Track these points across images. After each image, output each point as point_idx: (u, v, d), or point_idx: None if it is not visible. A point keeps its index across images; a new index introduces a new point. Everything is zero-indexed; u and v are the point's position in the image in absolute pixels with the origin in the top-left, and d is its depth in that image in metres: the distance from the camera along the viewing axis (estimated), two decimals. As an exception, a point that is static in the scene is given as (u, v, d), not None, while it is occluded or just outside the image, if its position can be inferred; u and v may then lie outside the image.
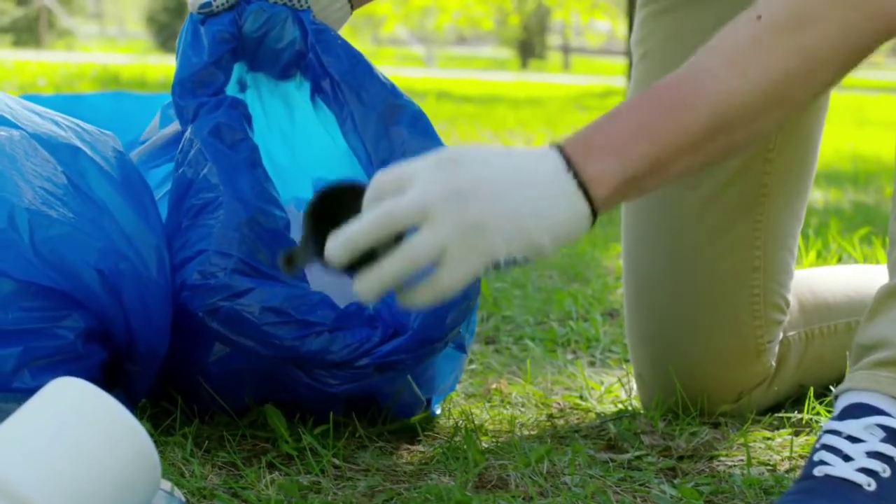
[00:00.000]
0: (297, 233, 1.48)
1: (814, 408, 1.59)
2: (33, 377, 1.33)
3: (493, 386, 1.72)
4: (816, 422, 1.56)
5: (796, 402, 1.67)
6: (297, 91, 1.59)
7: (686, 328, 1.60)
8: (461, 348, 1.54)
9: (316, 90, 1.54)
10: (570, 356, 1.97)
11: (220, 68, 1.50)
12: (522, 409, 1.64)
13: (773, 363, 1.63)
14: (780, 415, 1.60)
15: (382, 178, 1.09)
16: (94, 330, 1.38)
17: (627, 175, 1.09)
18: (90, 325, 1.37)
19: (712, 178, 1.57)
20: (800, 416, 1.59)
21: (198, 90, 1.49)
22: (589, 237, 3.13)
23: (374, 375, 1.43)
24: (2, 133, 1.40)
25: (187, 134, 1.48)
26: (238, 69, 1.56)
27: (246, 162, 1.45)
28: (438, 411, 1.59)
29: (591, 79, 16.16)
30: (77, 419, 1.04)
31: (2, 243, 1.34)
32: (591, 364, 1.93)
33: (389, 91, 1.51)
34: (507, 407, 1.65)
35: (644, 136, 1.10)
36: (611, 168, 1.09)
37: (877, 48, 1.15)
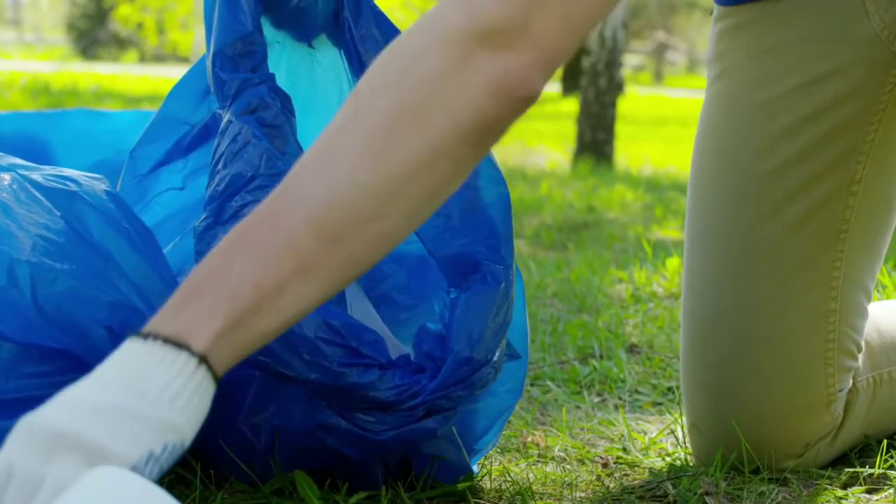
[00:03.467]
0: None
1: (886, 460, 1.46)
2: (36, 451, 1.17)
3: (529, 439, 1.57)
4: (895, 477, 1.43)
5: (862, 452, 1.54)
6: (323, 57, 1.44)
7: (751, 375, 1.45)
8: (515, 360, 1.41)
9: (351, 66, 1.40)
10: (595, 398, 1.82)
11: (260, 32, 1.32)
12: (566, 467, 1.49)
13: (841, 412, 1.49)
14: (850, 469, 1.47)
15: None
16: (102, 394, 1.22)
17: (227, 315, 0.94)
18: (98, 388, 1.21)
19: (794, 206, 1.43)
20: (871, 470, 1.46)
21: (239, 61, 1.31)
22: (585, 260, 2.99)
23: (425, 419, 1.28)
24: (-10, 178, 1.24)
25: (239, 128, 1.29)
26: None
27: None
28: (477, 470, 1.44)
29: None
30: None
31: (1, 303, 1.19)
32: (620, 407, 1.78)
33: None
34: (550, 463, 1.50)
35: (238, 267, 0.95)
36: (204, 308, 0.94)
37: (512, 118, 1.01)
